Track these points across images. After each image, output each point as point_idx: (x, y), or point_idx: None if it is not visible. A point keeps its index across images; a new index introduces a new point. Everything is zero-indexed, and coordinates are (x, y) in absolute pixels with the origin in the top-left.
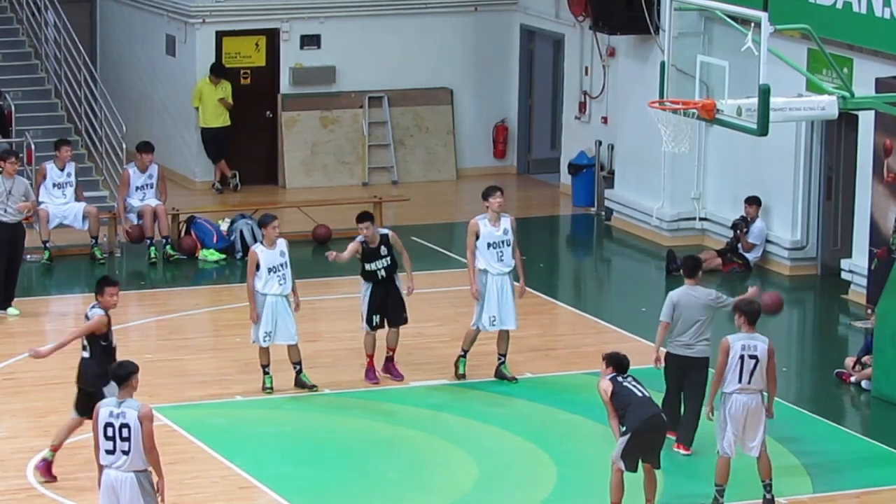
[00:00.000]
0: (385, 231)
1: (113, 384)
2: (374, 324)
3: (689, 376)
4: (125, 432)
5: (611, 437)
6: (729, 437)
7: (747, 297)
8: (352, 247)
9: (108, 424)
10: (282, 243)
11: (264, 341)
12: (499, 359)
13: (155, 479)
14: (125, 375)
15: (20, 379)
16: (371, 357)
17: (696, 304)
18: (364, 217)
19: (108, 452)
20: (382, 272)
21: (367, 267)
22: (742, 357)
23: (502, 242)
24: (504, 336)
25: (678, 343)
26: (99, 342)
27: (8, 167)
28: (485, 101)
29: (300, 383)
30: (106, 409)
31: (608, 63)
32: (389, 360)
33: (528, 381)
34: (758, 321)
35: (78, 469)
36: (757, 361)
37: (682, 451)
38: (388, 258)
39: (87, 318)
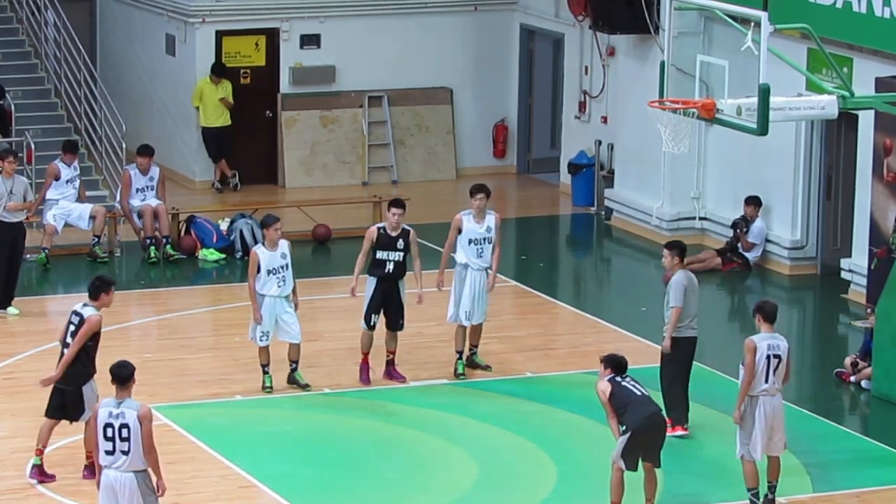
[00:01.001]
0: (408, 227)
1: (90, 384)
2: (372, 323)
3: (690, 358)
4: (125, 433)
5: (611, 437)
6: (757, 441)
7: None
8: (368, 236)
9: (107, 425)
10: (283, 245)
11: (261, 340)
12: (471, 349)
13: (154, 479)
14: (128, 376)
15: (20, 378)
16: (366, 356)
17: (696, 287)
18: (402, 204)
19: (108, 453)
20: (391, 266)
21: (379, 255)
22: (768, 357)
23: (484, 240)
24: (477, 329)
25: (686, 325)
26: (86, 342)
27: (7, 166)
28: (485, 101)
29: (293, 381)
30: (105, 409)
31: (608, 62)
32: (390, 363)
33: (527, 380)
34: (776, 319)
35: (77, 469)
36: (780, 361)
37: (681, 432)
38: (402, 254)
39: (77, 315)
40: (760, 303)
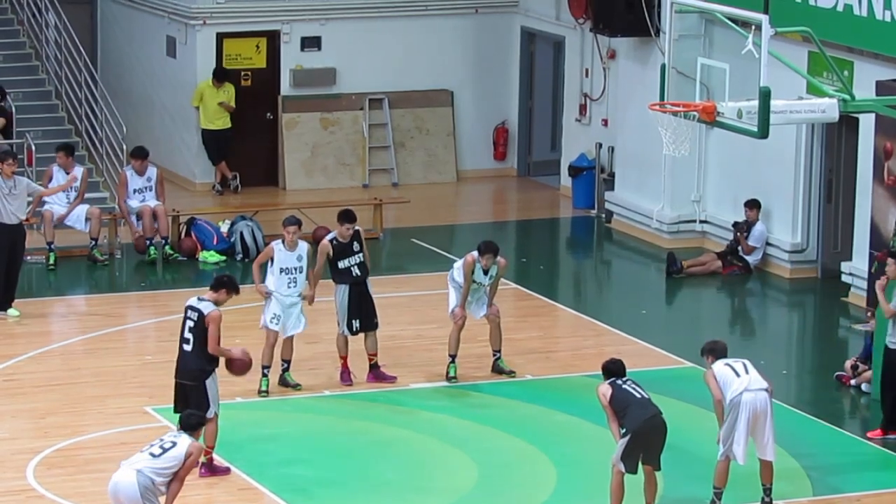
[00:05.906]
0: (356, 227)
1: (213, 379)
2: (355, 329)
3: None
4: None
5: (611, 440)
6: (740, 440)
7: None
8: (322, 250)
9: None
10: (303, 248)
11: (271, 323)
12: (494, 355)
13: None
14: (195, 425)
15: (20, 380)
16: (344, 359)
17: None
18: (354, 218)
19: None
20: (356, 269)
21: (341, 265)
22: (728, 365)
23: (487, 285)
24: (494, 334)
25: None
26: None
27: (5, 168)
28: (485, 103)
29: (284, 382)
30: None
31: (608, 65)
32: (375, 366)
33: (528, 382)
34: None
35: (78, 471)
36: (744, 364)
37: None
38: (361, 254)
39: (195, 311)
40: (710, 344)
